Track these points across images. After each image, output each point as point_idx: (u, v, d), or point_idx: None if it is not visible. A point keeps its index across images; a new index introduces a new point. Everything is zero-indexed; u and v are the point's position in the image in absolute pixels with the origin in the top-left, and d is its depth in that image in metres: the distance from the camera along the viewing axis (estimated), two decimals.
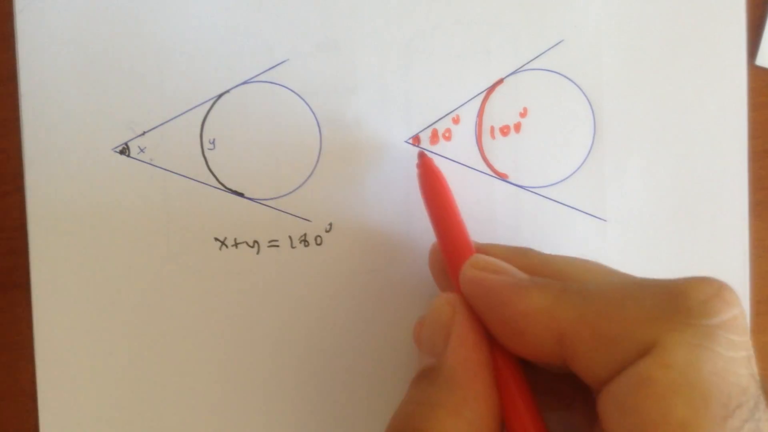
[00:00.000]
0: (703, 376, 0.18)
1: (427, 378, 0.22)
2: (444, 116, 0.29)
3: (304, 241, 0.29)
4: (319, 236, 0.29)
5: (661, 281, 0.20)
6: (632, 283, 0.20)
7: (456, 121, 0.29)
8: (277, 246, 0.29)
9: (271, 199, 0.29)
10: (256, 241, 0.29)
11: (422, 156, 0.28)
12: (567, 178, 0.29)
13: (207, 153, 0.28)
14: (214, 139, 0.28)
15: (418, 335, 0.24)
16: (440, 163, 0.28)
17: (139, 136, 0.28)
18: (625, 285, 0.20)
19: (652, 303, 0.19)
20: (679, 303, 0.19)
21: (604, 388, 0.19)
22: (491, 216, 0.29)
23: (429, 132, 0.29)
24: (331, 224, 0.29)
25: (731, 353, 0.18)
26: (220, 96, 0.28)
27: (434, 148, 0.29)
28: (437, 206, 0.26)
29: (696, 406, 0.18)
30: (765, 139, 0.30)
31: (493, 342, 0.22)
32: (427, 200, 0.27)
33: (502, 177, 0.29)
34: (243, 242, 0.28)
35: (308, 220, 0.29)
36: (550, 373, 0.23)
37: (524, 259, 0.24)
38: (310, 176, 0.29)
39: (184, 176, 0.28)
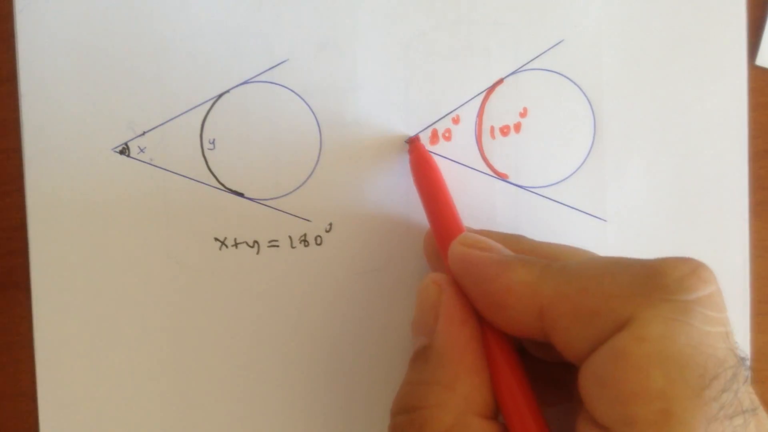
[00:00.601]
0: (677, 348, 0.18)
1: (420, 358, 0.22)
2: (444, 116, 0.29)
3: (304, 241, 0.29)
4: (319, 236, 0.29)
5: (641, 260, 0.20)
6: (612, 261, 0.21)
7: (456, 121, 0.29)
8: (277, 246, 0.29)
9: (271, 199, 0.29)
10: (256, 241, 0.29)
11: (413, 141, 0.28)
12: (567, 178, 0.29)
13: (207, 153, 0.28)
14: (214, 139, 0.28)
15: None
16: (440, 164, 0.28)
17: (139, 136, 0.28)
18: (605, 263, 0.21)
19: (630, 280, 0.19)
20: (656, 280, 0.19)
21: (583, 363, 0.20)
22: (491, 216, 0.29)
23: (429, 132, 0.29)
24: (331, 224, 0.29)
25: (707, 327, 0.19)
26: (220, 96, 0.28)
27: (434, 148, 0.29)
28: (428, 189, 0.26)
29: (672, 376, 0.18)
30: (765, 139, 0.30)
31: (482, 318, 0.22)
32: (418, 183, 0.27)
33: (502, 177, 0.29)
34: (243, 242, 0.28)
35: (308, 220, 0.29)
36: (551, 365, 0.23)
37: (517, 245, 0.24)
38: (310, 176, 0.29)
39: (184, 176, 0.28)
